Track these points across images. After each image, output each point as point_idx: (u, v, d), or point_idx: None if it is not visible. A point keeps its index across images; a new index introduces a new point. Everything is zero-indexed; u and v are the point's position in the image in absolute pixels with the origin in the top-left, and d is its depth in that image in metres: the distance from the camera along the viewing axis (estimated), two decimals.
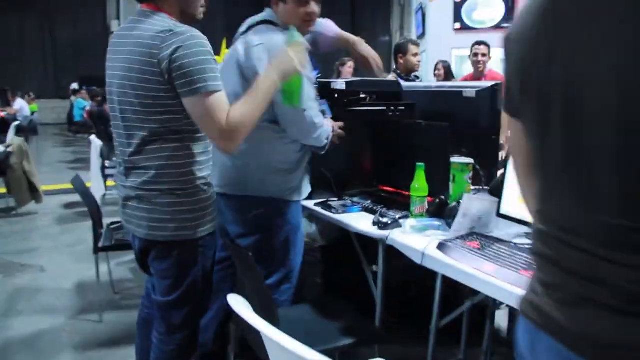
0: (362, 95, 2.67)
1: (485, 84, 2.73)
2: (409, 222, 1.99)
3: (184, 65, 1.54)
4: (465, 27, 9.57)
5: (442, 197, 2.11)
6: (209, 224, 1.76)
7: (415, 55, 4.23)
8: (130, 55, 1.61)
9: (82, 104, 13.03)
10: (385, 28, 17.91)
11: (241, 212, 2.18)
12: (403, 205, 2.33)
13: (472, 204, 1.85)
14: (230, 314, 2.56)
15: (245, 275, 1.90)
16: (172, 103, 1.60)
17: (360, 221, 2.20)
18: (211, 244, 1.80)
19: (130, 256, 3.96)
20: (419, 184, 2.10)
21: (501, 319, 2.78)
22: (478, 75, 4.66)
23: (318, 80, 2.46)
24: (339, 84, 2.64)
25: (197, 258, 1.76)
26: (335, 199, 2.51)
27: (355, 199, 2.48)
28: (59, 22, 17.62)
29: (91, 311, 3.24)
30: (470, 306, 2.03)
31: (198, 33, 1.59)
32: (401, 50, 4.26)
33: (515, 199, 1.85)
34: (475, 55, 4.65)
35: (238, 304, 1.33)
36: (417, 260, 1.80)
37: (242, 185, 2.17)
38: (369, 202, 2.42)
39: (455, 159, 2.06)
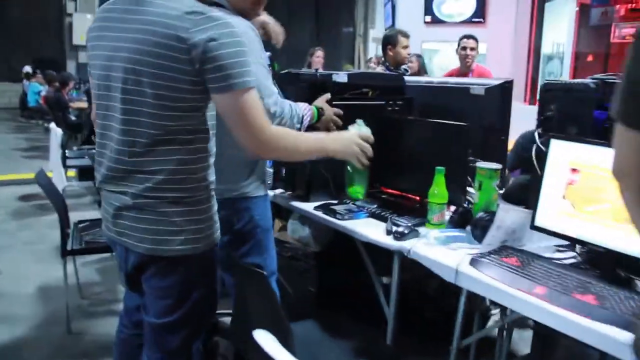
0: (364, 90, 2.47)
1: (495, 81, 2.57)
2: (433, 233, 1.80)
3: (221, 56, 1.32)
4: (436, 21, 9.46)
5: (465, 205, 1.93)
6: (216, 233, 1.54)
7: (406, 47, 4.05)
8: (146, 35, 1.35)
9: (37, 88, 12.33)
10: (349, 18, 17.69)
11: None
12: (411, 210, 2.15)
13: (508, 215, 1.66)
14: (215, 327, 2.34)
15: (249, 295, 1.67)
16: (195, 97, 1.38)
17: (370, 229, 2.00)
18: (217, 256, 1.57)
19: (96, 256, 3.67)
20: (439, 190, 1.91)
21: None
22: (465, 70, 4.51)
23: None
24: (341, 77, 2.43)
25: (205, 273, 1.54)
26: (335, 202, 2.30)
27: (358, 203, 2.27)
28: (10, 1, 16.73)
29: (57, 320, 2.92)
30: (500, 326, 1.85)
31: (231, 20, 1.38)
32: (390, 41, 4.07)
33: (551, 211, 1.68)
34: (464, 48, 4.50)
35: (268, 341, 1.11)
36: (449, 277, 1.61)
37: None
38: (375, 206, 2.22)
39: (482, 164, 1.87)
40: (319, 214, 2.21)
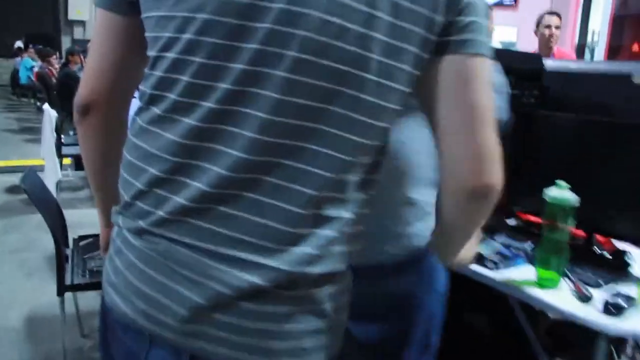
0: None
1: None
2: None
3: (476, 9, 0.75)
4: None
5: None
6: None
7: (549, 26, 3.64)
8: None
9: (30, 63, 11.42)
10: None
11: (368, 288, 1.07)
12: (584, 254, 1.45)
13: None
14: None
15: None
16: (410, 93, 0.75)
17: (548, 290, 1.29)
18: None
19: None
20: None
21: None
22: (547, 52, 3.75)
23: None
24: None
25: None
26: None
27: (500, 239, 1.54)
28: None
29: None
30: None
31: None
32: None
33: None
34: (548, 27, 3.74)
35: None
36: None
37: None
38: (527, 244, 1.50)
39: None
40: None
